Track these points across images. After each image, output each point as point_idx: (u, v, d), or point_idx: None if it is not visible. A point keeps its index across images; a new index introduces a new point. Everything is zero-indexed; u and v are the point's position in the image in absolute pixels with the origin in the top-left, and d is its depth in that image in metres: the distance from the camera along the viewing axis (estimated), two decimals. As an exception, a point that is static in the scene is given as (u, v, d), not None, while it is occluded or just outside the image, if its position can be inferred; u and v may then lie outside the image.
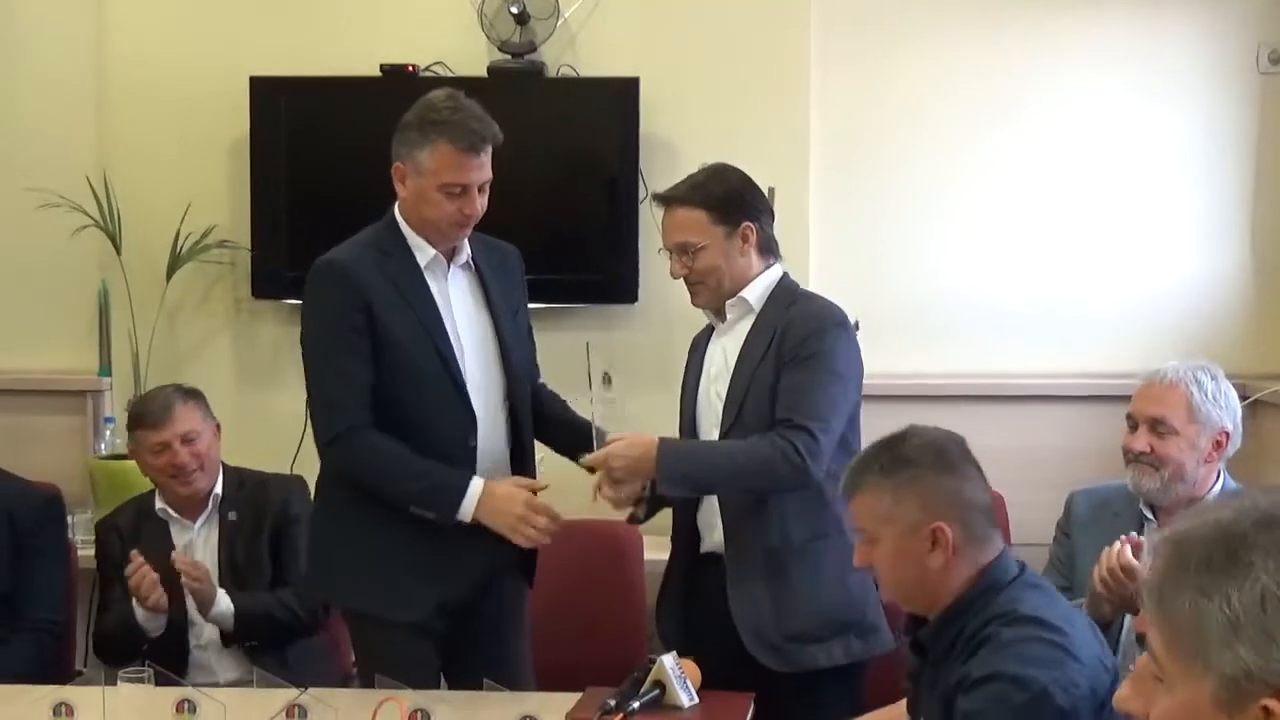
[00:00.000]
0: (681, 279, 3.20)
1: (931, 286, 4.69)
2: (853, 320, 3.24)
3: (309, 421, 3.17)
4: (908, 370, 4.59)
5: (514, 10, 4.47)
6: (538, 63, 4.52)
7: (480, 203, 3.08)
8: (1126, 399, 3.28)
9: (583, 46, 4.58)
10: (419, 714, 2.66)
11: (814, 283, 4.15)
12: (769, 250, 3.20)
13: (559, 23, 4.51)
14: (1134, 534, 2.97)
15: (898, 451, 2.42)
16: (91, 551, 3.81)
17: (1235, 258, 4.66)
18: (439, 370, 3.07)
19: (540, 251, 4.03)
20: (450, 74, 4.47)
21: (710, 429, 3.17)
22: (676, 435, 3.24)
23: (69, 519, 3.89)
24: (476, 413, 3.10)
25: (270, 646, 3.54)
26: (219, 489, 3.66)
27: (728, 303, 3.18)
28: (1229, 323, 4.63)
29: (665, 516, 3.28)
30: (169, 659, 3.21)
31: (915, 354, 4.65)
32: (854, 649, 3.09)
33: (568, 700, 2.90)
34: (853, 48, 4.66)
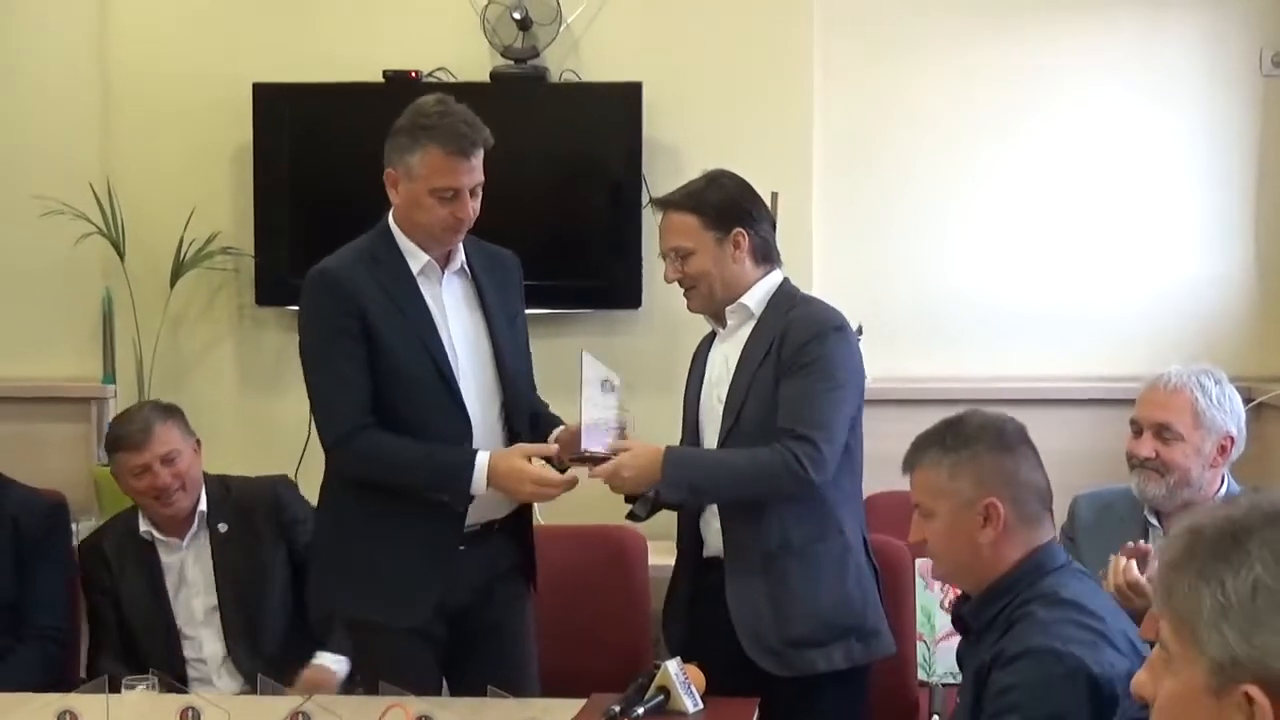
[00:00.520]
0: (676, 283, 3.21)
1: (934, 290, 4.70)
2: (856, 324, 3.24)
3: (313, 428, 3.17)
4: (911, 374, 4.59)
5: (516, 16, 4.47)
6: (540, 68, 4.52)
7: (472, 206, 3.06)
8: (1130, 402, 3.27)
9: (585, 52, 4.58)
10: (423, 721, 2.65)
11: (817, 287, 4.15)
12: (766, 256, 3.19)
13: (561, 28, 4.51)
14: (1142, 541, 2.97)
15: (958, 429, 2.48)
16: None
17: (1238, 260, 4.66)
18: (433, 376, 3.06)
19: (544, 257, 4.03)
20: (453, 80, 4.47)
21: (712, 434, 3.16)
22: (679, 441, 3.24)
23: (74, 526, 3.88)
24: (471, 418, 3.09)
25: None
26: (203, 505, 3.59)
27: (728, 309, 3.17)
28: (1232, 326, 4.63)
29: (669, 521, 3.28)
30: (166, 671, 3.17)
31: (919, 357, 4.65)
32: (855, 653, 3.08)
33: (572, 706, 2.89)
34: (855, 53, 4.66)
